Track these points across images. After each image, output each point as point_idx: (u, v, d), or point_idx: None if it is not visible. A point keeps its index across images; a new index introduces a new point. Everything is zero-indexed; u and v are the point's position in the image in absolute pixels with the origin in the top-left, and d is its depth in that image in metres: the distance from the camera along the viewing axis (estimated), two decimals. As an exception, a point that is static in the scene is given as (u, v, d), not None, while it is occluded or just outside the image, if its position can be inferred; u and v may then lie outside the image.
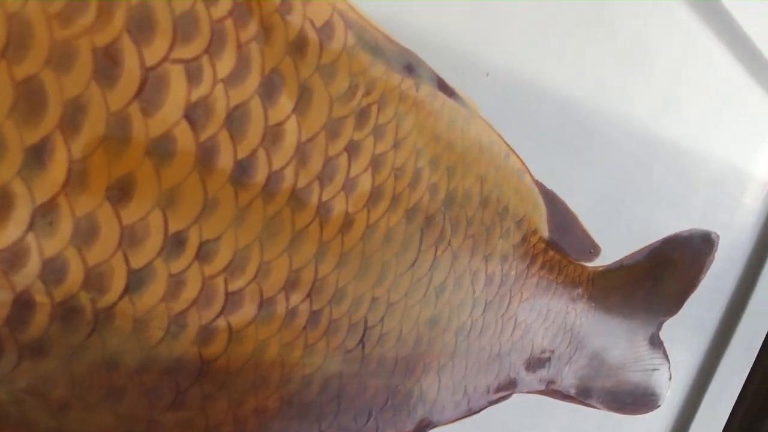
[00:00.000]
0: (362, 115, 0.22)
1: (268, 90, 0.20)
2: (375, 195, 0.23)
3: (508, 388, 0.30)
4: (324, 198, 0.22)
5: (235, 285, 0.21)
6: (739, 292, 0.38)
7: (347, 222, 0.23)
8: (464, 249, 0.26)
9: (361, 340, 0.24)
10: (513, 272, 0.28)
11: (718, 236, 0.37)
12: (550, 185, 0.28)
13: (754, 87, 0.35)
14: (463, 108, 0.25)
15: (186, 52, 0.18)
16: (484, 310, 0.28)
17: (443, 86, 0.24)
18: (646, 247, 0.33)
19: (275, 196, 0.21)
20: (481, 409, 0.29)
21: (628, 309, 0.34)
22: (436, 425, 0.28)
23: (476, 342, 0.28)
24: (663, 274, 0.35)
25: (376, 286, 0.24)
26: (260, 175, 0.20)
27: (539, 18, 0.25)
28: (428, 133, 0.24)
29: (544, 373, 0.31)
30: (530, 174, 0.27)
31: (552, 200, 0.28)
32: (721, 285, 0.38)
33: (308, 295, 0.22)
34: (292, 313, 0.22)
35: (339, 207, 0.22)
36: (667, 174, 0.33)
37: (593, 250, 0.31)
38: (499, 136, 0.26)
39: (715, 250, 0.37)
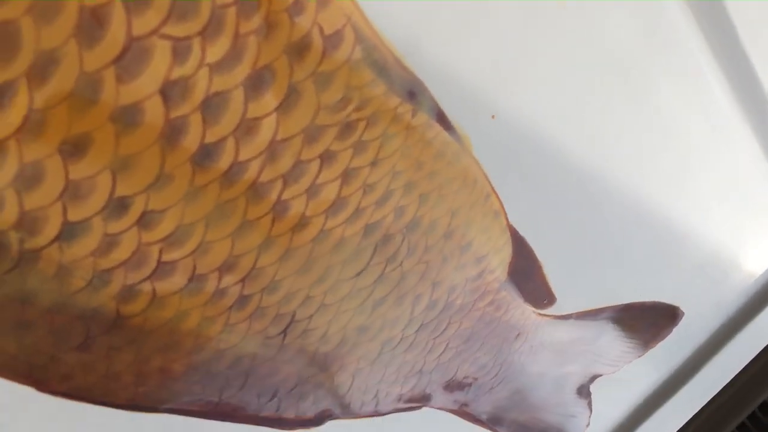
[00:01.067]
0: (347, 128, 0.22)
1: (255, 84, 0.20)
2: (338, 204, 0.23)
3: (420, 401, 0.31)
4: (284, 196, 0.22)
5: (170, 256, 0.21)
6: (683, 371, 0.39)
7: (301, 223, 0.23)
8: (415, 272, 0.26)
9: (284, 331, 0.25)
10: (458, 302, 0.28)
11: (683, 314, 0.37)
12: (524, 231, 0.28)
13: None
14: (456, 143, 0.24)
15: (178, 30, 0.18)
16: (417, 330, 0.28)
17: (442, 118, 0.23)
18: (605, 308, 0.33)
19: (233, 184, 0.21)
20: (387, 413, 0.30)
21: (564, 359, 0.35)
22: (337, 418, 0.29)
23: (401, 356, 0.28)
24: (611, 336, 0.35)
25: (314, 285, 0.24)
26: (223, 162, 0.20)
27: (560, 74, 0.24)
28: (412, 158, 0.23)
29: (461, 396, 0.32)
30: (506, 217, 0.27)
31: (521, 244, 0.28)
32: (668, 357, 0.38)
33: (242, 280, 0.23)
34: (220, 292, 0.23)
35: (297, 208, 0.22)
36: (649, 244, 0.32)
37: (548, 299, 0.31)
38: (486, 176, 0.25)
39: (675, 326, 0.37)
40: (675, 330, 0.37)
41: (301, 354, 0.26)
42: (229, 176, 0.20)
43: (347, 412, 0.29)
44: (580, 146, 0.27)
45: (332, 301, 0.25)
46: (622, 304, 0.34)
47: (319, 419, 0.28)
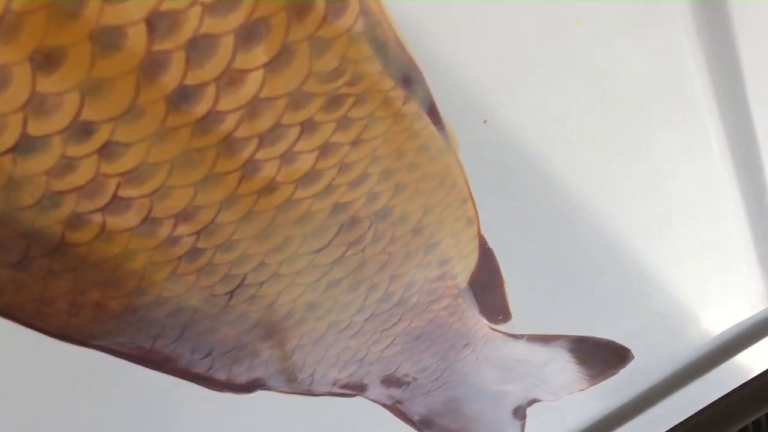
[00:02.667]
0: (334, 101, 0.21)
1: (248, 35, 0.19)
2: (310, 176, 0.22)
3: (356, 389, 0.30)
4: (257, 157, 0.21)
5: (127, 192, 0.20)
6: (620, 412, 0.38)
7: (269, 187, 0.22)
8: (375, 261, 0.25)
9: (232, 292, 0.24)
10: (414, 299, 0.28)
11: (632, 357, 0.36)
12: (494, 244, 0.27)
13: (753, 259, 0.33)
14: (442, 140, 0.23)
15: (177, -40, 0.17)
16: (367, 319, 0.27)
17: (433, 112, 0.22)
18: (559, 335, 0.33)
19: (206, 134, 0.20)
20: (320, 394, 0.29)
21: (507, 377, 0.34)
22: (269, 388, 0.28)
23: (345, 341, 0.28)
24: (559, 365, 0.34)
25: (270, 253, 0.23)
26: (200, 108, 0.19)
27: (561, 93, 0.23)
28: (395, 146, 0.23)
29: (397, 392, 0.31)
30: (478, 226, 0.26)
31: (487, 257, 0.27)
32: (609, 396, 0.38)
33: (197, 233, 0.22)
34: (172, 240, 0.22)
35: (267, 171, 0.21)
36: (616, 282, 0.32)
37: (503, 316, 0.30)
38: (466, 181, 0.25)
39: (623, 367, 0.36)
40: (622, 371, 0.36)
41: (244, 319, 0.25)
42: (204, 124, 0.19)
43: (280, 384, 0.28)
44: (568, 173, 0.26)
45: (287, 272, 0.24)
46: (577, 336, 0.33)
47: (249, 386, 0.27)
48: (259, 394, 0.28)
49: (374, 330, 0.28)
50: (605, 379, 0.37)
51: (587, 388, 0.37)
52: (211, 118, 0.19)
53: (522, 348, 0.33)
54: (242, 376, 0.27)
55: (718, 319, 0.37)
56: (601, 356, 0.35)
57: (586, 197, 0.27)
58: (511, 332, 0.31)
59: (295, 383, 0.28)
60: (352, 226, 0.24)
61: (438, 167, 0.24)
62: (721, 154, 0.28)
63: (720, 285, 0.35)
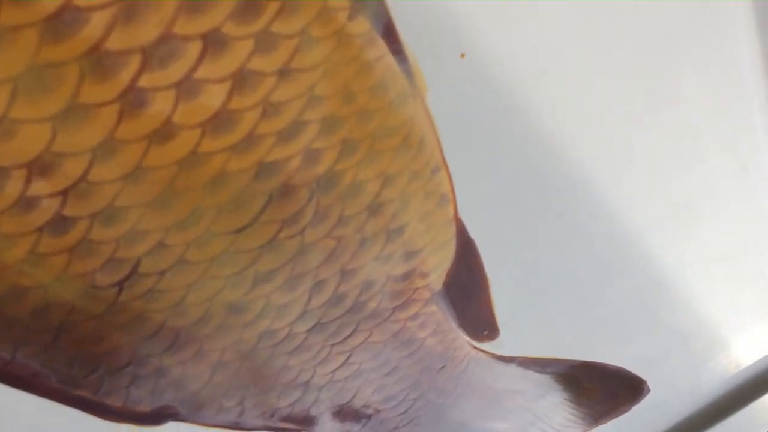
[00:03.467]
0: (250, 6, 0.15)
1: None
2: (223, 119, 0.16)
3: (300, 423, 0.24)
4: (141, 83, 0.15)
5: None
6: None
7: (164, 131, 0.16)
8: (320, 248, 0.19)
9: (120, 283, 0.18)
10: (373, 305, 0.21)
11: (648, 390, 0.30)
12: (476, 233, 0.21)
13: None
14: (406, 80, 0.18)
15: None
16: (312, 329, 0.21)
17: (390, 36, 0.17)
18: (558, 360, 0.27)
19: (62, 40, 0.14)
20: (252, 430, 0.23)
21: (495, 412, 0.28)
22: (184, 419, 0.21)
23: (284, 357, 0.21)
24: (558, 398, 0.28)
25: (173, 230, 0.17)
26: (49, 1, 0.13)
27: (573, 27, 0.18)
28: (339, 82, 0.17)
29: (354, 429, 0.25)
30: (455, 207, 0.20)
31: (468, 249, 0.21)
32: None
33: (62, 193, 0.16)
34: (27, 202, 0.16)
35: (159, 105, 0.15)
36: (629, 296, 0.26)
37: (489, 331, 0.24)
38: (438, 141, 0.19)
39: (636, 403, 0.30)
40: (635, 408, 0.30)
41: (141, 322, 0.19)
42: (57, 26, 0.14)
43: (197, 415, 0.21)
44: (580, 148, 0.21)
45: (197, 258, 0.18)
46: (580, 361, 0.27)
47: (157, 416, 0.21)
48: (170, 427, 0.21)
49: (321, 344, 0.22)
50: (614, 417, 0.30)
51: (592, 429, 0.30)
52: (69, 17, 0.14)
53: (513, 375, 0.26)
54: (146, 402, 0.21)
55: (752, 346, 0.31)
56: (610, 388, 0.29)
57: (596, 176, 0.21)
58: (499, 354, 0.25)
59: (217, 414, 0.22)
60: (286, 197, 0.18)
61: (400, 119, 0.18)
62: (765, 126, 0.22)
63: (757, 301, 0.28)
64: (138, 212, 0.17)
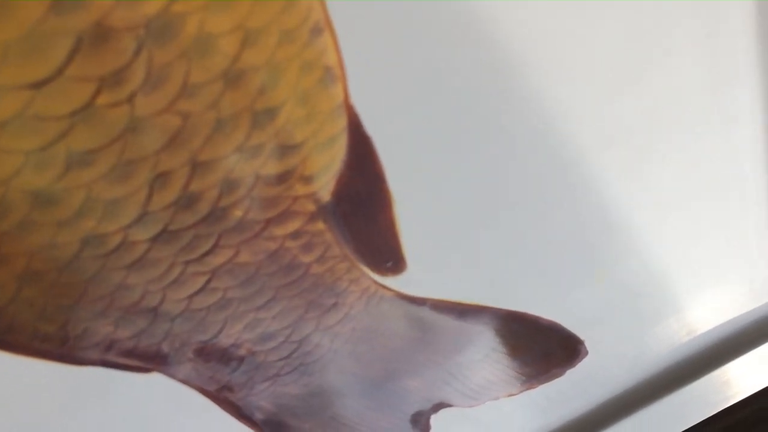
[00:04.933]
0: None
1: None
2: None
3: (149, 361, 0.19)
4: None
5: None
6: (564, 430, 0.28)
7: None
8: (157, 126, 0.15)
9: None
10: (237, 213, 0.17)
11: (586, 352, 0.26)
12: (375, 128, 0.17)
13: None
14: None
15: None
16: (155, 237, 0.17)
17: None
18: (481, 306, 0.22)
19: None
20: (85, 364, 0.18)
21: (403, 365, 0.23)
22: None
23: (118, 273, 0.17)
24: (479, 353, 0.24)
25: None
26: None
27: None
28: None
29: (221, 373, 0.20)
30: (346, 88, 0.16)
31: (364, 152, 0.17)
32: (548, 410, 0.27)
33: None
34: None
35: None
36: (571, 235, 0.21)
37: (393, 262, 0.20)
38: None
39: (572, 366, 0.26)
40: (569, 372, 0.26)
41: None
42: None
43: (3, 340, 0.17)
44: (515, 34, 0.16)
45: (-22, 120, 0.14)
46: (507, 311, 0.23)
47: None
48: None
49: (171, 260, 0.17)
50: (545, 381, 0.26)
51: (519, 393, 0.26)
52: None
53: (425, 319, 0.22)
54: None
55: (709, 310, 0.27)
56: (542, 345, 0.25)
57: (535, 69, 0.17)
58: (407, 293, 0.21)
59: (33, 339, 0.17)
60: (101, 44, 0.13)
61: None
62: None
63: (718, 258, 0.25)
64: None
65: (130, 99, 0.14)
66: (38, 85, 0.14)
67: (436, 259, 0.20)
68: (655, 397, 0.28)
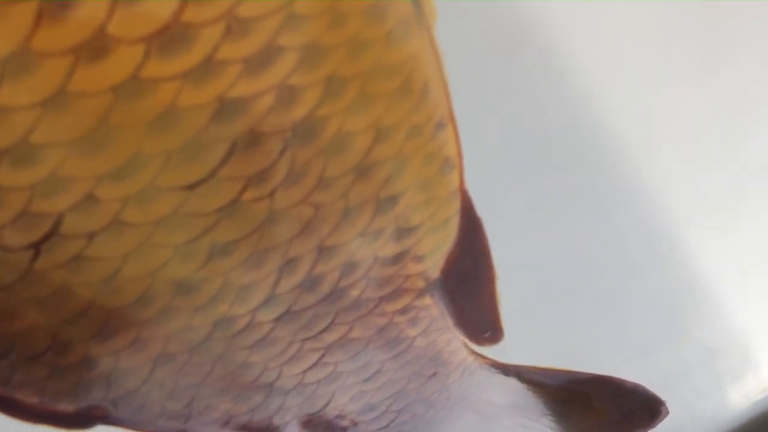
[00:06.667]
0: None
1: None
2: (173, 35, 0.13)
3: (261, 434, 0.20)
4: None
5: None
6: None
7: (96, 45, 0.12)
8: (292, 217, 0.16)
9: (37, 245, 0.14)
10: (355, 293, 0.18)
11: (667, 413, 0.27)
12: (485, 210, 0.18)
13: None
14: (412, 4, 0.14)
15: None
16: (278, 319, 0.18)
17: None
18: (568, 371, 0.23)
19: None
20: (202, 440, 0.19)
21: (492, 430, 0.24)
22: (118, 423, 0.18)
23: (243, 352, 0.18)
24: (568, 417, 0.25)
25: (106, 179, 0.14)
26: None
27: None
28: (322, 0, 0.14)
29: (325, 443, 0.21)
30: (462, 175, 0.17)
31: (473, 232, 0.18)
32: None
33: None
34: None
35: (90, 10, 0.12)
36: (655, 300, 0.23)
37: (491, 333, 0.21)
38: (446, 89, 0.16)
39: (652, 428, 0.27)
40: (650, 432, 0.27)
41: (64, 297, 0.15)
42: None
43: (133, 419, 0.18)
44: (613, 117, 0.18)
45: (137, 219, 0.15)
46: (591, 374, 0.24)
47: (81, 418, 0.17)
48: (99, 432, 0.18)
49: (290, 338, 0.18)
50: (628, 442, 0.27)
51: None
52: None
53: (515, 387, 0.23)
54: (67, 400, 0.17)
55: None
56: (624, 408, 0.25)
57: (628, 154, 0.18)
58: (501, 362, 0.22)
59: (159, 418, 0.18)
60: (253, 147, 0.15)
61: (400, 54, 0.15)
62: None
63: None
64: (60, 152, 0.13)
65: (272, 194, 0.16)
66: (193, 187, 0.15)
67: (529, 329, 0.21)
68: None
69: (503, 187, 0.18)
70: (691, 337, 0.24)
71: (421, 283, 0.19)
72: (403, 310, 0.19)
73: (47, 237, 0.14)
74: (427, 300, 0.19)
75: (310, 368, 0.19)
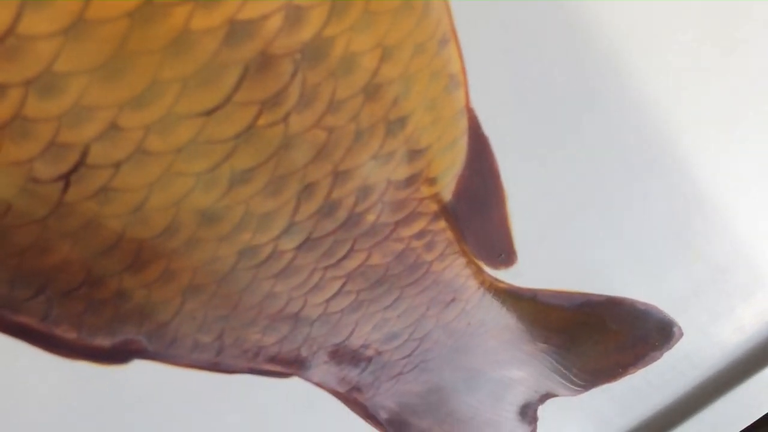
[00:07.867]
0: None
1: None
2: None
3: (289, 365, 0.21)
4: None
5: None
6: (667, 415, 0.29)
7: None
8: (307, 141, 0.17)
9: (66, 176, 0.15)
10: (371, 218, 0.19)
11: (681, 334, 0.27)
12: (492, 128, 0.18)
13: None
14: None
15: None
16: (300, 247, 0.18)
17: None
18: (580, 293, 0.24)
19: None
20: (233, 372, 0.20)
21: (512, 357, 0.25)
22: (153, 357, 0.19)
23: (268, 282, 0.19)
24: (584, 340, 0.26)
25: (127, 107, 0.15)
26: None
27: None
28: None
29: (352, 373, 0.22)
30: (467, 92, 0.18)
31: (481, 152, 0.19)
32: (649, 394, 0.29)
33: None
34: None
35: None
36: (664, 214, 0.23)
37: (506, 255, 0.21)
38: (447, 3, 0.16)
39: (667, 349, 0.28)
40: (667, 355, 0.27)
41: (95, 230, 0.16)
42: None
43: (167, 352, 0.19)
44: (618, 30, 0.18)
45: (159, 147, 0.16)
46: (608, 296, 0.24)
47: (118, 352, 0.18)
48: (135, 367, 0.19)
49: (313, 266, 0.19)
50: (644, 366, 0.28)
51: (621, 378, 0.28)
52: None
53: (534, 311, 0.24)
54: (103, 334, 0.18)
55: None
56: (639, 329, 0.26)
57: (634, 64, 0.19)
58: (517, 286, 0.23)
59: (192, 351, 0.19)
60: (265, 71, 0.15)
61: (401, -29, 0.15)
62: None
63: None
64: (83, 81, 0.14)
65: (285, 118, 0.16)
66: (210, 113, 0.15)
67: (542, 250, 0.22)
68: (750, 373, 0.30)
69: (509, 104, 0.18)
70: (700, 254, 0.25)
71: (434, 206, 0.19)
72: (419, 235, 0.20)
73: (76, 168, 0.15)
74: (442, 224, 0.20)
75: (333, 297, 0.20)
